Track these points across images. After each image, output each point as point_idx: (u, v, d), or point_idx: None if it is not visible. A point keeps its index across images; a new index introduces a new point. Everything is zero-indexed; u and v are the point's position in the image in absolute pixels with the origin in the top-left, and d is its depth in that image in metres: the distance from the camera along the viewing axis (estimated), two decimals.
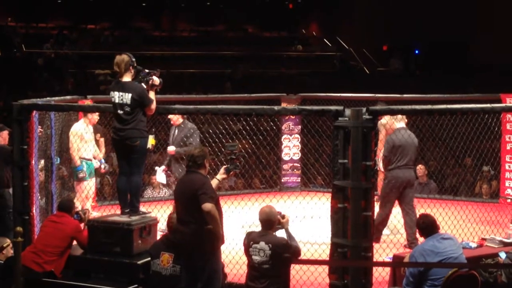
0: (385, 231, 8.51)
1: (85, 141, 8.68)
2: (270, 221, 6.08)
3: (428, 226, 6.18)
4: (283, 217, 6.19)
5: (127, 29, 25.08)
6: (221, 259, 6.11)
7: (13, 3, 25.45)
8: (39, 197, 7.70)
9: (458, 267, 5.90)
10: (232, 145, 6.54)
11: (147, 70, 6.99)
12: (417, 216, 7.00)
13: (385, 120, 9.25)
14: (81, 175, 8.67)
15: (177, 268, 6.20)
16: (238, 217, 8.36)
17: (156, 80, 6.93)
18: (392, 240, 7.83)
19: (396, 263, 6.63)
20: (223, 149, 10.07)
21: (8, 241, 6.92)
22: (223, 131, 10.17)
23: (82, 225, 7.09)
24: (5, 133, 8.56)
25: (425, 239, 6.16)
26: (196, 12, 27.45)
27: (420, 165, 11.06)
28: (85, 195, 8.77)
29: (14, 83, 17.47)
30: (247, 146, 10.82)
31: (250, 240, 6.03)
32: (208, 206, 5.73)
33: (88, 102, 9.79)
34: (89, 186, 8.81)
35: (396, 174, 7.85)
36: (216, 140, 10.03)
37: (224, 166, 6.33)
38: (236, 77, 19.93)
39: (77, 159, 8.65)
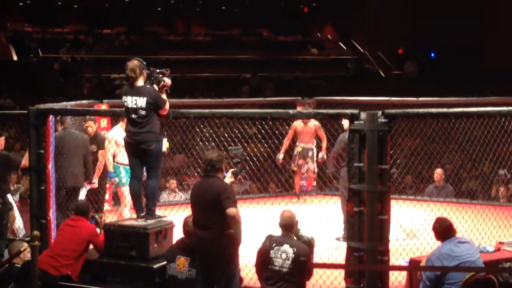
0: (401, 235, 8.48)
1: (121, 146, 8.32)
2: (291, 225, 6.10)
3: (444, 230, 6.15)
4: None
5: (142, 34, 25.19)
6: (239, 264, 6.10)
7: (29, 8, 25.65)
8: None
9: (475, 271, 5.86)
10: (236, 149, 6.52)
11: (158, 70, 6.99)
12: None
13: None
14: (112, 180, 8.61)
15: (192, 272, 6.21)
16: (254, 221, 8.35)
17: (168, 80, 6.95)
18: (408, 244, 7.79)
19: (413, 267, 6.60)
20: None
21: (25, 245, 6.95)
22: (239, 135, 10.18)
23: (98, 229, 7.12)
24: (2, 139, 8.53)
25: (442, 243, 6.13)
26: (210, 16, 27.51)
27: (439, 169, 10.97)
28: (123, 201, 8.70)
29: (31, 88, 17.59)
30: (262, 149, 10.82)
31: (272, 242, 6.03)
32: (233, 211, 5.73)
33: (104, 106, 9.83)
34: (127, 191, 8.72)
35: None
36: (232, 144, 10.03)
37: (231, 170, 6.31)
38: (258, 87, 19.86)
39: (109, 165, 8.60)
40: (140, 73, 6.85)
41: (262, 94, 17.70)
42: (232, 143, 10.05)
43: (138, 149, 6.85)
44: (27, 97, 15.81)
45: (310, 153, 10.66)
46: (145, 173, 7.16)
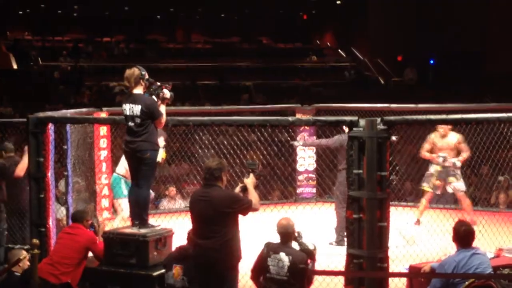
0: (401, 241, 8.48)
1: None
2: (288, 233, 6.09)
3: (465, 235, 6.03)
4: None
5: (142, 42, 25.26)
6: (238, 273, 6.08)
7: (29, 17, 25.73)
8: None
9: (474, 278, 5.84)
10: (253, 163, 6.47)
11: (158, 83, 6.98)
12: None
13: None
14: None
15: (185, 280, 6.19)
16: (254, 228, 8.34)
17: (167, 93, 6.90)
18: (408, 250, 7.78)
19: (412, 274, 6.59)
20: (237, 161, 10.09)
21: (25, 253, 6.95)
22: (238, 142, 10.18)
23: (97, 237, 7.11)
24: None
25: (458, 250, 6.05)
26: (210, 24, 27.59)
27: None
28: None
29: (31, 96, 17.62)
30: (261, 157, 10.82)
31: (270, 250, 6.03)
32: (256, 209, 5.92)
33: (103, 114, 9.84)
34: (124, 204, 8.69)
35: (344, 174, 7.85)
36: (231, 151, 10.03)
37: (241, 185, 6.25)
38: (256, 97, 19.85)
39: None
40: (135, 82, 6.81)
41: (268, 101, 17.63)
42: (231, 151, 10.05)
43: (134, 158, 6.85)
44: (28, 105, 15.82)
45: (454, 171, 9.49)
46: None
